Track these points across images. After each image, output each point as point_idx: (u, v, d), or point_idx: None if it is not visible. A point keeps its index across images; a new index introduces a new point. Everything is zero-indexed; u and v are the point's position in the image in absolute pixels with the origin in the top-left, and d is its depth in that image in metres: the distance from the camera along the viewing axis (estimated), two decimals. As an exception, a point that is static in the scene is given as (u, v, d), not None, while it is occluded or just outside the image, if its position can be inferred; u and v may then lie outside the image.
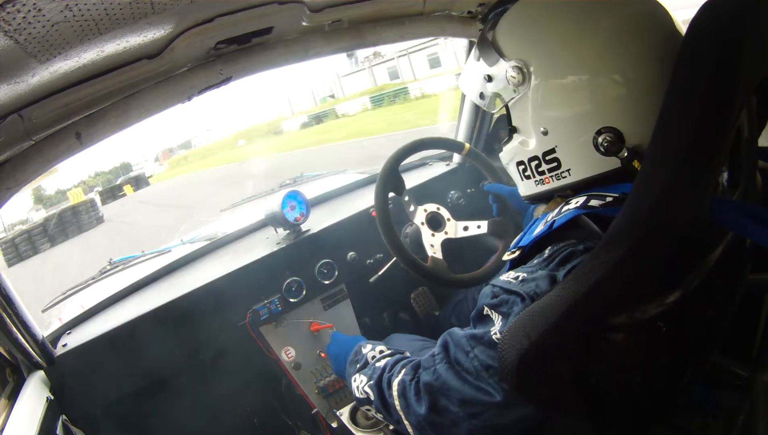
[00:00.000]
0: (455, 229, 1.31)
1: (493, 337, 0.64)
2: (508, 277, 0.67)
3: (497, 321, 0.65)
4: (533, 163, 0.74)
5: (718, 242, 0.64)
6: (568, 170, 0.71)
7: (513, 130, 0.77)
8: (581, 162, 0.69)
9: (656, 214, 0.53)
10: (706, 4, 0.52)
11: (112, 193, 22.91)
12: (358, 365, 0.94)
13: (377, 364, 0.88)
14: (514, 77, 0.71)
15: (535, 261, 0.67)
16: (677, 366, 0.68)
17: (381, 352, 0.94)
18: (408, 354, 0.92)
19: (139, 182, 25.30)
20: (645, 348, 0.63)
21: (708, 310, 0.67)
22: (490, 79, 0.76)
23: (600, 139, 0.66)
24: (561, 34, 0.68)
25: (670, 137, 0.53)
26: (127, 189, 23.01)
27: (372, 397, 0.84)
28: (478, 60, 0.78)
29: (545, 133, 0.71)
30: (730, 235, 0.64)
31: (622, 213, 0.55)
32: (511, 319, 0.63)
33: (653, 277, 0.57)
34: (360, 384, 0.88)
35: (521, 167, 0.77)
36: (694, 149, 0.52)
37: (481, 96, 0.80)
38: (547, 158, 0.72)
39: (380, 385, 0.83)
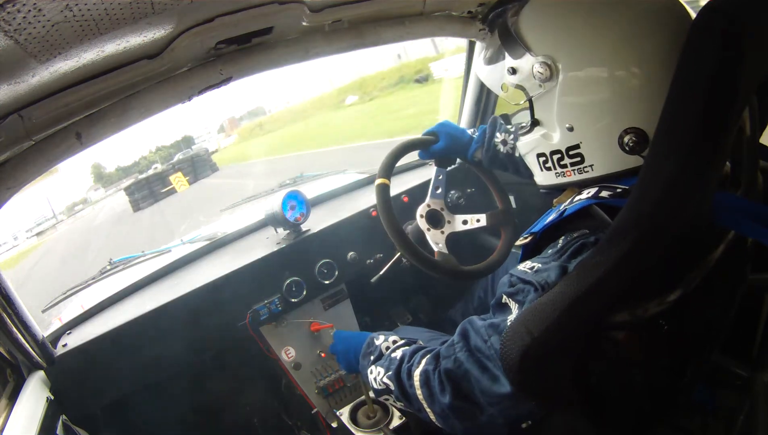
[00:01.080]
0: (455, 223, 1.31)
1: (508, 324, 0.65)
2: (524, 266, 0.68)
3: (514, 309, 0.66)
4: (555, 157, 0.74)
5: (719, 242, 0.64)
6: (591, 165, 0.71)
7: (535, 123, 0.76)
8: (605, 158, 0.70)
9: (660, 208, 0.53)
10: (708, 2, 0.52)
11: (150, 190, 12.73)
12: (372, 357, 0.94)
13: (393, 355, 0.88)
14: (541, 73, 0.70)
15: (549, 251, 0.68)
16: (677, 366, 0.68)
17: (395, 342, 0.94)
18: (421, 342, 0.91)
19: (197, 167, 13.93)
20: (645, 347, 0.63)
21: (708, 309, 0.67)
22: (514, 71, 0.75)
23: (626, 139, 0.66)
24: (590, 29, 0.67)
25: (674, 132, 0.53)
26: (176, 180, 12.83)
27: (392, 388, 0.84)
28: (500, 50, 0.77)
29: (570, 129, 0.71)
30: (731, 235, 0.64)
31: (626, 207, 0.56)
32: (525, 307, 0.63)
33: (655, 275, 0.58)
34: (377, 376, 0.88)
35: (542, 159, 0.77)
36: (696, 144, 0.52)
37: (503, 87, 0.80)
38: (571, 153, 0.72)
39: (399, 376, 0.83)
